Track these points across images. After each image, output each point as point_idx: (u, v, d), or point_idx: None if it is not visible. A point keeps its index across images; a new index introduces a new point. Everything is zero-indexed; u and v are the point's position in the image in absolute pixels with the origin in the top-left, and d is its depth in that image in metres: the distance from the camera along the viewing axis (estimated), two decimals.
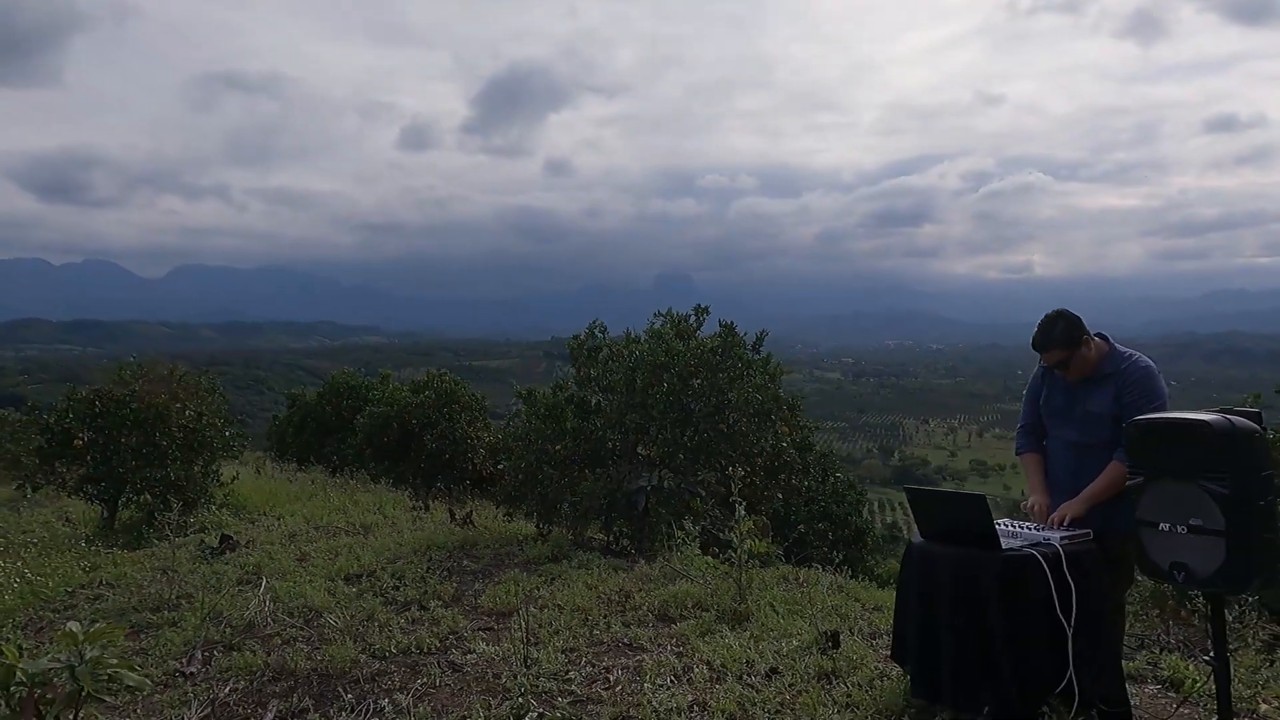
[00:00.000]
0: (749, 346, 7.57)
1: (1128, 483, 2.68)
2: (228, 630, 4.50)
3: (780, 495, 8.34)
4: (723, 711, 3.33)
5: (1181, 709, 3.34)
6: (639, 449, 7.13)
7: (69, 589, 5.68)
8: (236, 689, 3.70)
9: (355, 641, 4.24)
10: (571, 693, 3.58)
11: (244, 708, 3.53)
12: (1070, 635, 2.85)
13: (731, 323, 7.59)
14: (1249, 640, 3.69)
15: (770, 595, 5.00)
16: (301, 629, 4.56)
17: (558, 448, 7.30)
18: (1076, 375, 3.19)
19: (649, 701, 3.40)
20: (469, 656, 4.07)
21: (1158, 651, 4.10)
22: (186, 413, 8.67)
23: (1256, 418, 2.37)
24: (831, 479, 12.21)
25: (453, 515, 8.29)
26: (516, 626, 4.34)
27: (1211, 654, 2.54)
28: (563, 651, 4.08)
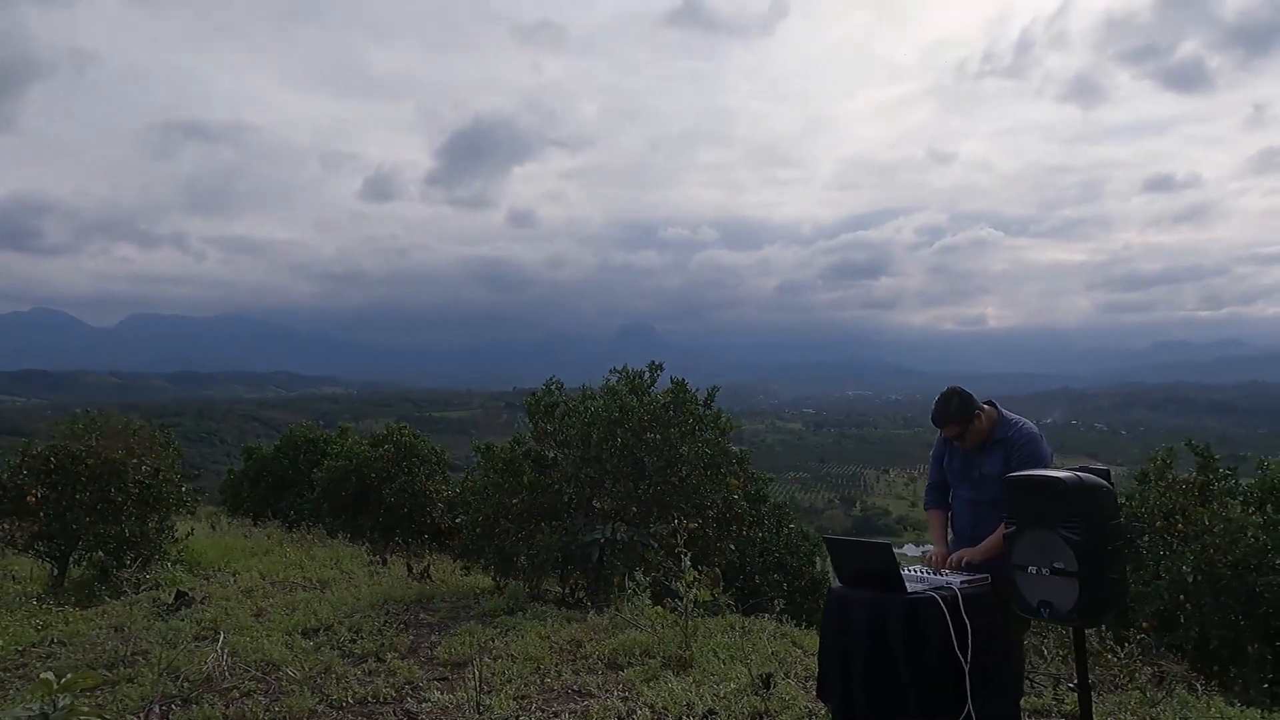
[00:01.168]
0: (700, 402, 7.90)
1: (1005, 532, 3.07)
2: (185, 685, 4.59)
3: (733, 546, 8.60)
4: None
5: None
6: (594, 502, 7.36)
7: (19, 647, 5.68)
8: None
9: (313, 693, 4.38)
10: None
11: None
12: (967, 670, 3.19)
13: (683, 379, 7.92)
14: (1135, 676, 4.07)
15: (714, 642, 5.25)
16: (259, 682, 4.68)
17: (515, 501, 7.50)
18: (972, 443, 3.63)
19: None
20: (424, 705, 4.25)
21: (1066, 689, 4.45)
22: (143, 468, 8.69)
23: (1105, 474, 2.80)
24: (785, 530, 12.45)
25: (410, 569, 8.38)
26: (470, 676, 4.54)
27: (1075, 681, 2.90)
28: (515, 699, 4.28)
